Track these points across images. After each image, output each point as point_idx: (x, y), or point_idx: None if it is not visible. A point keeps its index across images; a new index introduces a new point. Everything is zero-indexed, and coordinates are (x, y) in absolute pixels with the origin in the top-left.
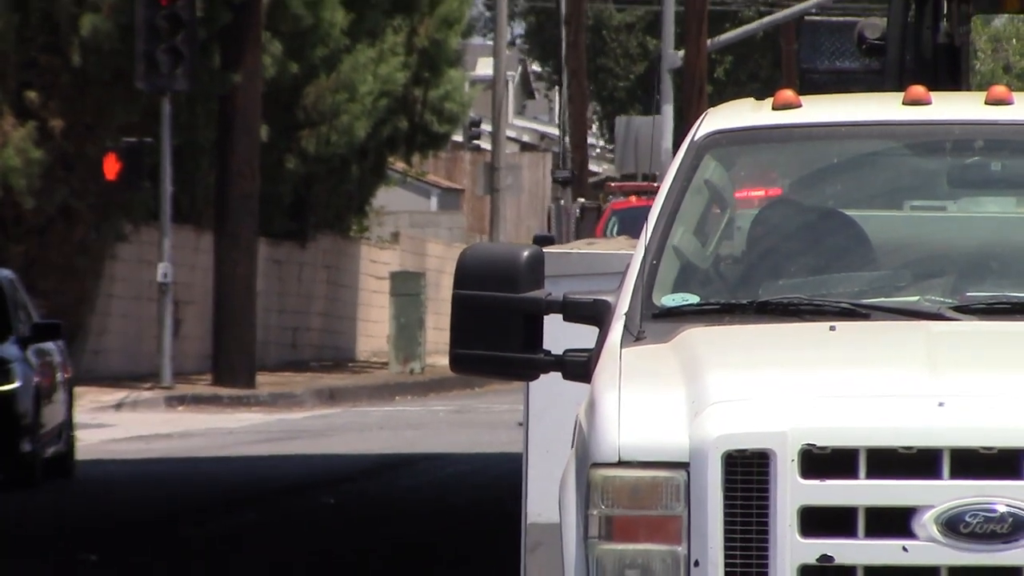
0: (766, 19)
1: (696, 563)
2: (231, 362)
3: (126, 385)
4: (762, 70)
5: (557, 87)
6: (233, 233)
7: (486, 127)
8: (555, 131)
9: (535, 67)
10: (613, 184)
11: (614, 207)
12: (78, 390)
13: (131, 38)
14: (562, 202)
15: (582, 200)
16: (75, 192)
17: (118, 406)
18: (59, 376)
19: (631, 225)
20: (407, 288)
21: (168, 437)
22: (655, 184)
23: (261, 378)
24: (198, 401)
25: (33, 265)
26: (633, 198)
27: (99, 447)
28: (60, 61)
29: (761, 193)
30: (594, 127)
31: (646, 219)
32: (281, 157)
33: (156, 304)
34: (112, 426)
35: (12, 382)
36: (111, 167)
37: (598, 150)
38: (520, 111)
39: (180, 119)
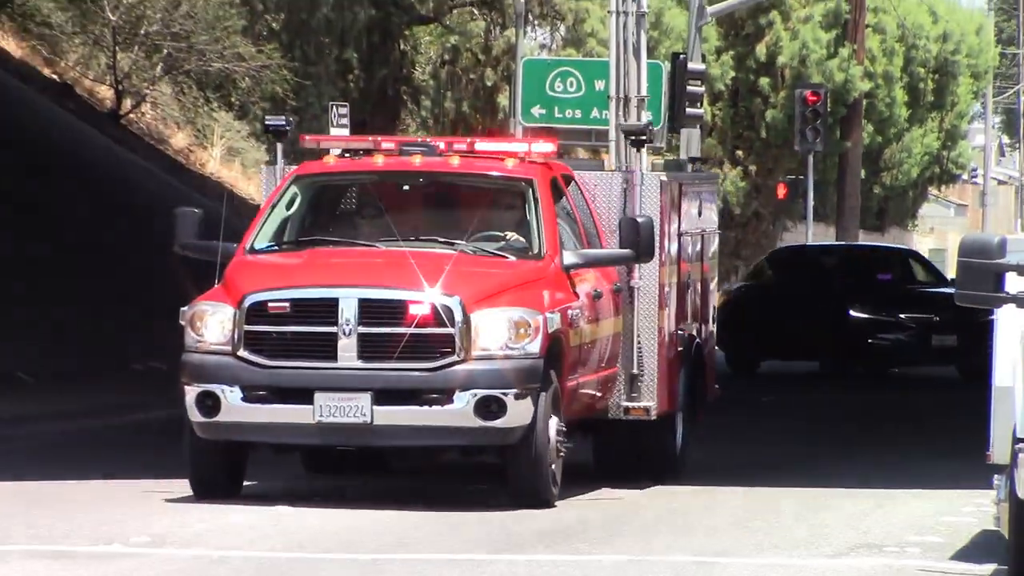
0: None
1: None
2: None
3: None
4: None
5: (1018, 149)
6: (845, 227)
7: (980, 171)
8: (1017, 174)
9: (1005, 137)
10: (309, 137)
11: (298, 172)
12: None
13: (792, 122)
14: (279, 165)
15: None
16: (762, 204)
17: None
18: None
19: (316, 199)
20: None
21: None
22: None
23: None
24: None
25: (737, 245)
26: (332, 160)
27: None
28: (754, 135)
29: None
30: None
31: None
32: (871, 187)
33: None
34: None
35: None
36: (781, 191)
37: None
38: (998, 162)
39: (817, 166)
